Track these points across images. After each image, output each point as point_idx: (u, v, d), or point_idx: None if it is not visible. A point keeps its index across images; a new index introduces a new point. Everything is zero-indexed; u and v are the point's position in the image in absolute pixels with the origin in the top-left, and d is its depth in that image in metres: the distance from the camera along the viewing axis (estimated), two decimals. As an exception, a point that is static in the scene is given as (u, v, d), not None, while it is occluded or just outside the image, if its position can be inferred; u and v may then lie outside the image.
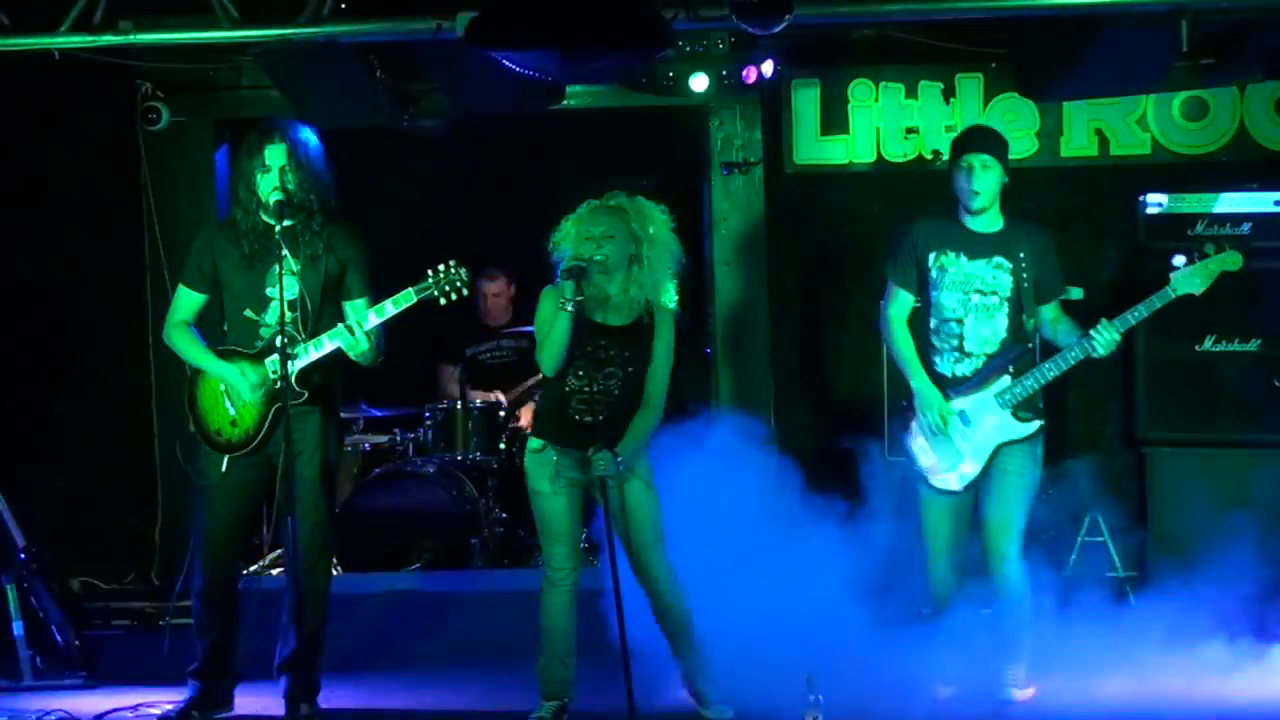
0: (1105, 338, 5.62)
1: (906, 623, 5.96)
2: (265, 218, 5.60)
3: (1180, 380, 7.19)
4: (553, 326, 5.47)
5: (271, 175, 5.57)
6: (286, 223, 5.58)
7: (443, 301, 5.59)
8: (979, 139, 5.90)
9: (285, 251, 5.53)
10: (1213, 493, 6.97)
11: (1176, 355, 7.21)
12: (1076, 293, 7.12)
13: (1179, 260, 5.78)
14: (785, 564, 6.31)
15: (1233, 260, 5.73)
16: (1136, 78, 7.14)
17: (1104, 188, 7.91)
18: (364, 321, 5.57)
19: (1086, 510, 7.23)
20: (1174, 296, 5.69)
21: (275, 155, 5.58)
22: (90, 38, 6.67)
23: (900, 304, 5.85)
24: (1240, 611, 6.27)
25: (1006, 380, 5.73)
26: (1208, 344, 7.19)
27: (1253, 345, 7.17)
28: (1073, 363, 5.71)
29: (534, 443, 5.66)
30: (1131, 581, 7.10)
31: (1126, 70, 6.98)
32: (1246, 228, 7.17)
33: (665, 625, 5.68)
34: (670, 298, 5.63)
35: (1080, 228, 7.82)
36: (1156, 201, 7.27)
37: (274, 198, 5.55)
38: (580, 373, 5.50)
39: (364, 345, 5.56)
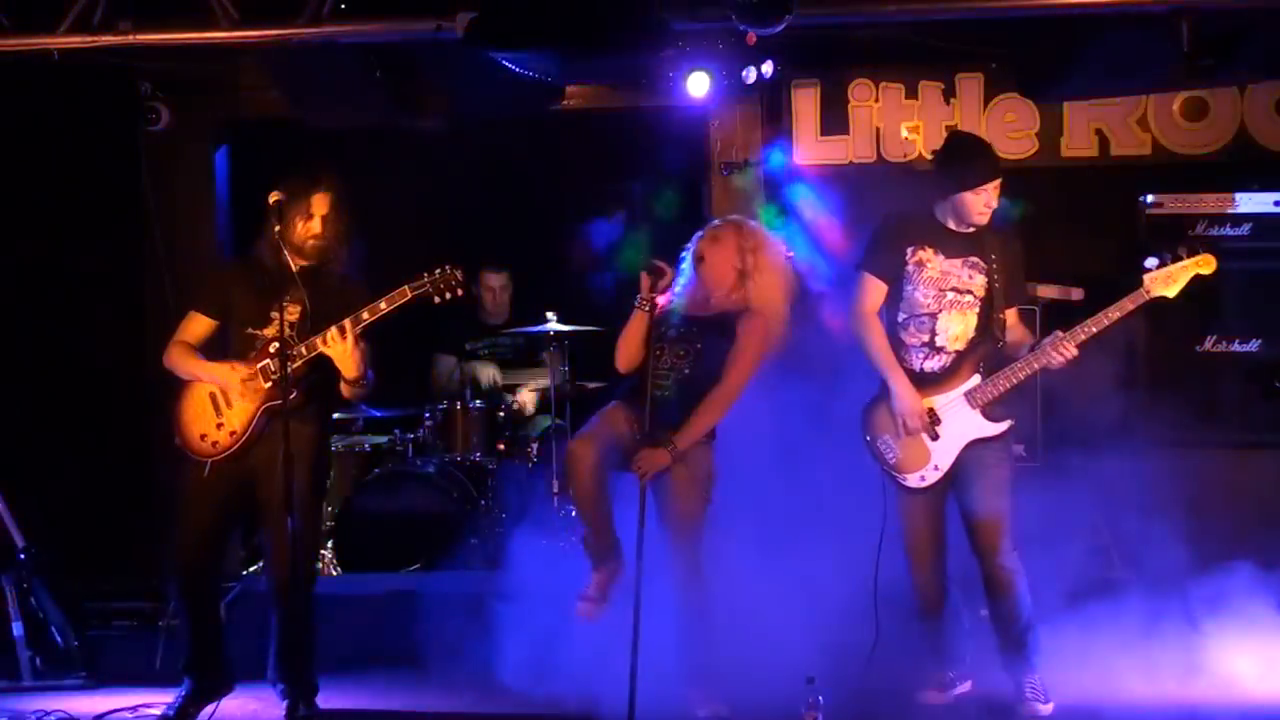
0: (1064, 351, 5.57)
1: (908, 623, 5.95)
2: (292, 258, 5.62)
3: (1180, 380, 7.19)
4: (629, 323, 5.65)
5: (314, 223, 5.64)
6: (307, 262, 5.65)
7: (437, 300, 5.60)
8: (995, 160, 5.79)
9: (302, 281, 5.58)
10: (1212, 493, 6.97)
11: (1176, 355, 7.21)
12: (1070, 293, 7.15)
13: (1151, 263, 5.71)
14: (784, 563, 6.33)
15: (1206, 264, 5.64)
16: (1136, 78, 7.14)
17: (1104, 188, 7.91)
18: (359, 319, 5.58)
19: (1087, 510, 7.23)
20: (1147, 299, 5.62)
21: (320, 204, 5.66)
22: (90, 38, 6.68)
23: (874, 297, 5.77)
24: (1240, 610, 6.26)
25: (976, 379, 5.70)
26: (1208, 344, 7.19)
27: (1253, 345, 7.17)
28: (1035, 371, 5.66)
29: None
30: (1131, 582, 7.08)
31: (1126, 70, 6.98)
32: (1247, 228, 7.18)
33: (677, 619, 5.68)
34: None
35: (1080, 228, 7.81)
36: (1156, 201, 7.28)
37: (311, 243, 5.64)
38: (658, 352, 5.64)
39: (349, 343, 5.52)
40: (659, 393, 5.60)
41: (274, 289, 5.63)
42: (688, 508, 5.67)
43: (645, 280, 5.60)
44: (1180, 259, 5.63)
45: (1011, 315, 5.80)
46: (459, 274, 5.60)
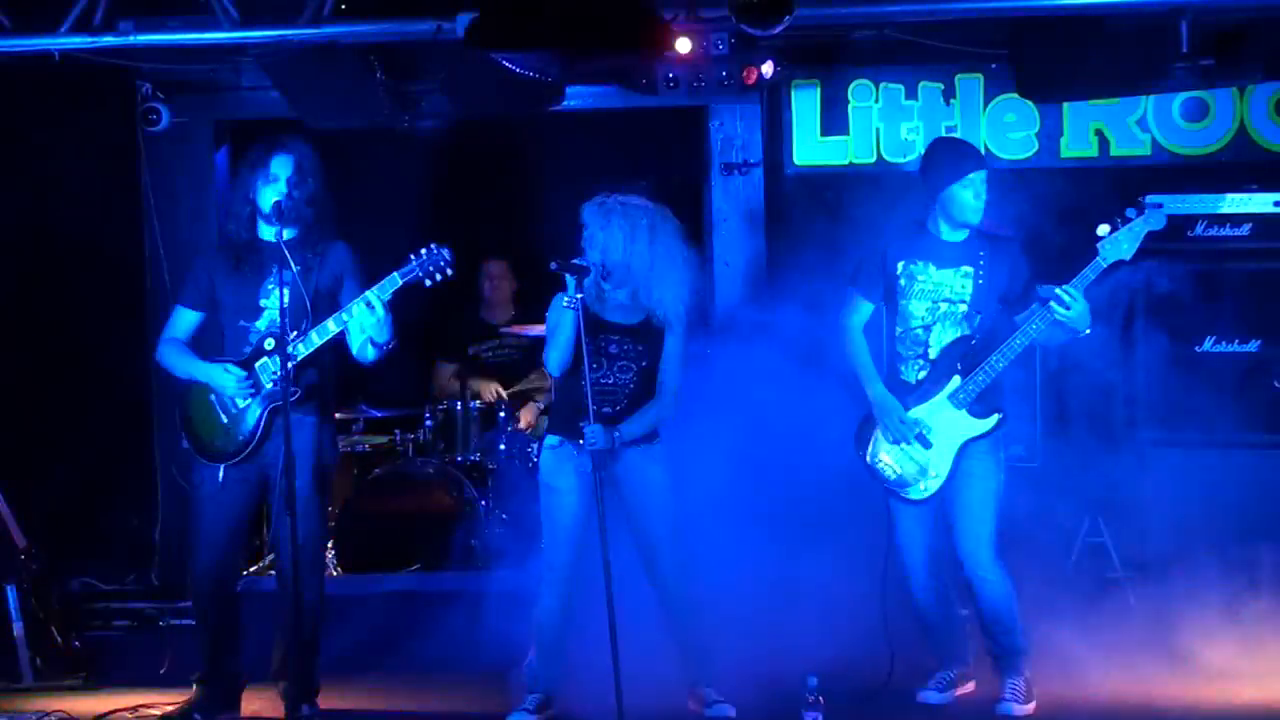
0: (1067, 311, 5.57)
1: (904, 624, 5.95)
2: (262, 228, 5.62)
3: (1180, 380, 7.18)
4: (559, 325, 5.51)
5: (277, 185, 5.60)
6: (285, 234, 5.57)
7: (428, 284, 5.56)
8: (978, 153, 5.86)
9: (284, 256, 5.51)
10: (1212, 493, 6.96)
11: (1176, 355, 7.20)
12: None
13: (1103, 229, 5.75)
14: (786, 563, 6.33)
15: (1155, 219, 5.69)
16: (1136, 78, 7.14)
17: (1104, 188, 7.89)
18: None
19: (1086, 510, 7.23)
20: (1105, 266, 5.65)
21: (282, 165, 5.61)
22: (90, 38, 6.69)
23: (861, 314, 5.83)
24: (1240, 611, 6.26)
25: (957, 380, 5.71)
26: (1208, 344, 7.19)
27: (1253, 346, 7.17)
28: (1018, 350, 5.67)
29: (551, 439, 5.71)
30: (1131, 581, 7.09)
31: (1126, 71, 6.98)
32: (1247, 228, 7.18)
33: (671, 624, 5.67)
34: (679, 310, 5.66)
35: (1080, 228, 7.78)
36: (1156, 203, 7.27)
37: (274, 208, 5.56)
38: (595, 367, 5.52)
39: (380, 313, 5.50)
40: (608, 409, 5.53)
41: (258, 270, 5.62)
42: (668, 503, 5.66)
43: (572, 280, 5.44)
44: (1129, 221, 5.66)
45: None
46: (446, 252, 5.56)
